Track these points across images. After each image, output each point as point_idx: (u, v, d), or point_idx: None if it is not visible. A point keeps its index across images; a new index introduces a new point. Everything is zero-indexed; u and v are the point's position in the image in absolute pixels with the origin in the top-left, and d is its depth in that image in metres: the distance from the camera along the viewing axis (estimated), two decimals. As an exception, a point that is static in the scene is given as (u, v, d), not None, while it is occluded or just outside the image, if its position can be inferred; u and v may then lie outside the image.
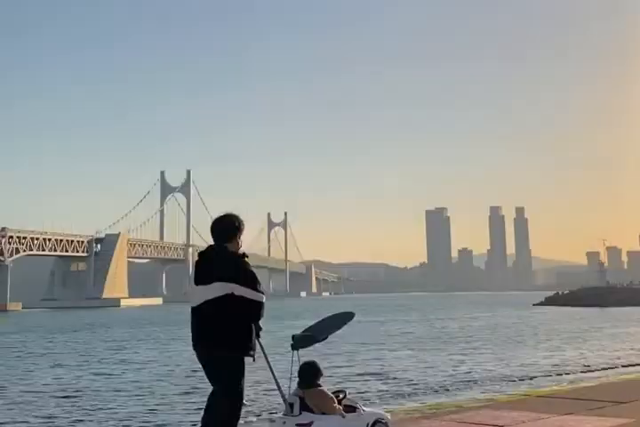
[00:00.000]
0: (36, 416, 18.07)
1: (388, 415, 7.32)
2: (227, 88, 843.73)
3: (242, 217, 6.74)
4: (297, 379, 6.95)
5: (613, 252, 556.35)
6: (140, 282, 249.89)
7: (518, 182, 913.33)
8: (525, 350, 33.49)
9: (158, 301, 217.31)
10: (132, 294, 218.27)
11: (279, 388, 6.83)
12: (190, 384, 23.66)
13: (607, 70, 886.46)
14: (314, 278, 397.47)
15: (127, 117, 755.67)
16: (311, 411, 6.68)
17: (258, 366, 6.52)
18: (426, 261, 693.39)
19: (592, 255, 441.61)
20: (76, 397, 21.48)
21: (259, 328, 6.50)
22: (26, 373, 29.22)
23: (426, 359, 30.06)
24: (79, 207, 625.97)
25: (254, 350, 6.41)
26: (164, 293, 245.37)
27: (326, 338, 7.29)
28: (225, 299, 6.22)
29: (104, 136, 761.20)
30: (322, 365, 7.19)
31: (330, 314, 7.69)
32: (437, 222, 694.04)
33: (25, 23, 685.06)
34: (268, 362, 6.73)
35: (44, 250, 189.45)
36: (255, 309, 6.29)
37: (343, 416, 6.73)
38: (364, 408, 7.12)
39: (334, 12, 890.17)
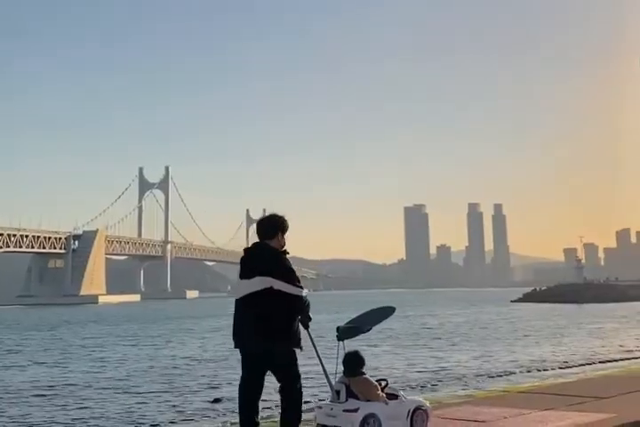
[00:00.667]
0: (11, 415, 17.84)
1: (427, 403, 7.59)
2: (227, 88, 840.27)
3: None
4: (342, 368, 7.32)
5: (590, 248, 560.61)
6: (118, 279, 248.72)
7: (496, 179, 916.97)
8: (504, 347, 33.63)
9: (136, 297, 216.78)
10: (109, 291, 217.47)
11: (327, 376, 7.14)
12: (167, 382, 23.54)
13: (607, 70, 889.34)
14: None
15: (127, 117, 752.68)
16: (356, 398, 7.02)
17: (305, 356, 6.76)
18: (404, 257, 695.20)
19: (569, 252, 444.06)
20: (52, 395, 21.26)
21: (308, 319, 6.76)
22: (1, 370, 28.91)
23: (405, 356, 30.09)
24: (79, 207, 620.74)
25: (299, 339, 6.68)
26: (143, 289, 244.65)
27: (370, 329, 7.68)
28: (265, 293, 6.50)
29: (104, 136, 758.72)
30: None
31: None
32: (416, 219, 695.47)
33: (25, 23, 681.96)
34: (316, 351, 6.97)
35: (20, 247, 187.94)
36: (296, 302, 6.58)
37: (386, 403, 7.08)
38: (406, 396, 7.44)
39: (334, 12, 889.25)
